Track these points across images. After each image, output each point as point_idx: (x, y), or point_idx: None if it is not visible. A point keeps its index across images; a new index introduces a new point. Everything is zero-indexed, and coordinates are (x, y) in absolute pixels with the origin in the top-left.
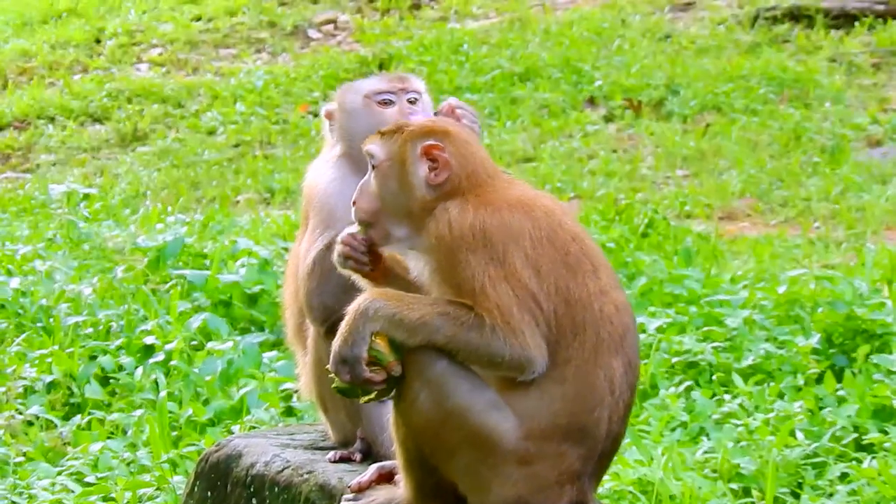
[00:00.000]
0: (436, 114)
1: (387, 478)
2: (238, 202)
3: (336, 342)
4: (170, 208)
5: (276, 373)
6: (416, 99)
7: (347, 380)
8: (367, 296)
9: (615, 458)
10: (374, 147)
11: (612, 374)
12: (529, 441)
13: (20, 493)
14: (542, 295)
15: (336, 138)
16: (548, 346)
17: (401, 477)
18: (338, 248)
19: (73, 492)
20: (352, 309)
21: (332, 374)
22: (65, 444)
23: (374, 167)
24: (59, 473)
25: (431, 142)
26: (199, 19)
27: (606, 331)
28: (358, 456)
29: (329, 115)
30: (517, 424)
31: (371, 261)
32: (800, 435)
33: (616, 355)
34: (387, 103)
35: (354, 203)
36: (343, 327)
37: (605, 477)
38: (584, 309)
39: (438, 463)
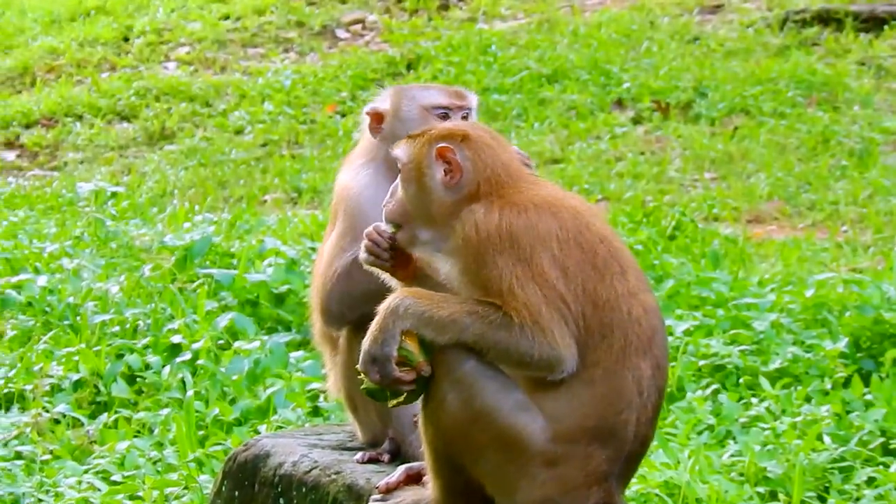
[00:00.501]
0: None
1: (415, 479)
2: (265, 202)
3: (366, 341)
4: (197, 207)
5: (303, 372)
6: (467, 116)
7: (377, 379)
8: (398, 294)
9: (643, 460)
10: (400, 151)
11: (640, 376)
12: (557, 443)
13: (47, 491)
14: (570, 296)
15: (379, 139)
16: (577, 347)
17: (429, 478)
18: (363, 243)
19: (99, 490)
20: (382, 307)
21: (362, 375)
22: (91, 442)
23: (400, 171)
24: (86, 472)
25: (444, 144)
26: (227, 18)
27: (635, 333)
28: (386, 457)
29: (378, 117)
30: (545, 426)
31: (399, 261)
32: (827, 439)
33: (644, 357)
34: (443, 118)
35: (384, 206)
36: (373, 326)
37: (632, 479)
38: (612, 311)
39: (466, 463)
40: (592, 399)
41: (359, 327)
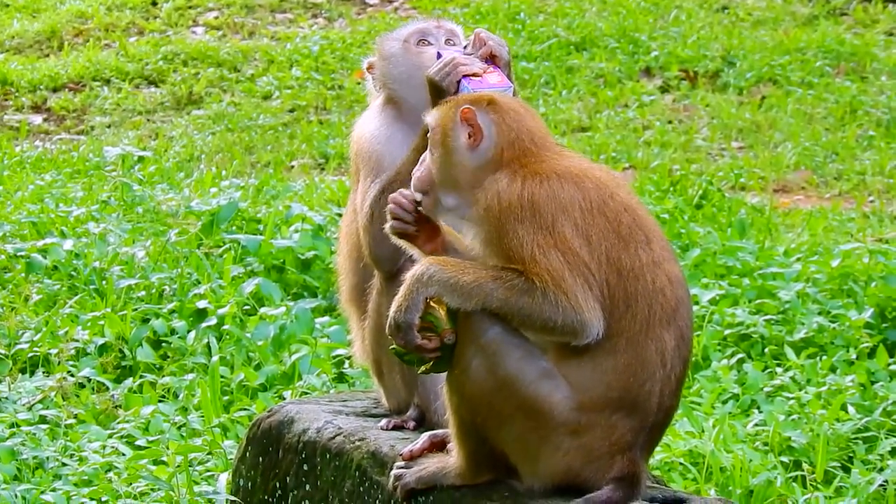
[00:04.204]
0: (465, 47)
1: (439, 446)
2: (292, 167)
3: (391, 308)
4: (224, 172)
5: (329, 339)
6: (454, 43)
7: (401, 345)
8: (424, 262)
9: (667, 430)
10: (429, 117)
11: (664, 346)
12: (581, 412)
13: (71, 456)
14: (594, 264)
15: (378, 88)
16: (602, 314)
17: (453, 445)
18: (388, 208)
19: (123, 454)
20: (408, 275)
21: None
22: (116, 406)
23: (429, 137)
24: (110, 436)
25: (467, 107)
26: None
27: (659, 303)
28: (411, 424)
29: (370, 67)
30: (570, 395)
31: (425, 232)
32: (851, 409)
33: (668, 328)
34: (424, 43)
35: (414, 173)
36: (399, 293)
37: (657, 448)
38: (636, 280)
39: (490, 431)
40: (616, 369)
41: (385, 292)
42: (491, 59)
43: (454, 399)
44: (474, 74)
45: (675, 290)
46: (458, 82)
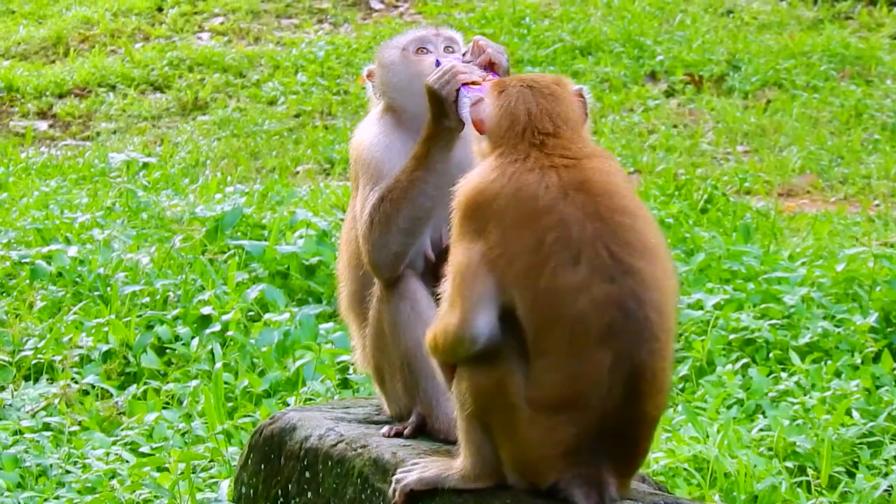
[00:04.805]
0: (463, 54)
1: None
2: (297, 173)
3: None
4: (229, 178)
5: (333, 345)
6: (453, 50)
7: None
8: None
9: (644, 439)
10: None
11: (597, 367)
12: (533, 408)
13: (74, 463)
14: (510, 279)
15: (378, 95)
16: (524, 334)
17: (461, 448)
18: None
19: (127, 462)
20: None
21: None
22: (120, 413)
23: None
24: (114, 443)
25: (474, 78)
26: None
27: (581, 327)
28: (409, 430)
29: (370, 75)
30: (525, 388)
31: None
32: (856, 414)
33: (599, 349)
34: (422, 51)
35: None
36: None
37: (660, 454)
38: (555, 302)
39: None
40: (552, 381)
41: (385, 300)
42: (490, 67)
43: (458, 398)
44: (473, 83)
45: (602, 313)
46: (458, 91)
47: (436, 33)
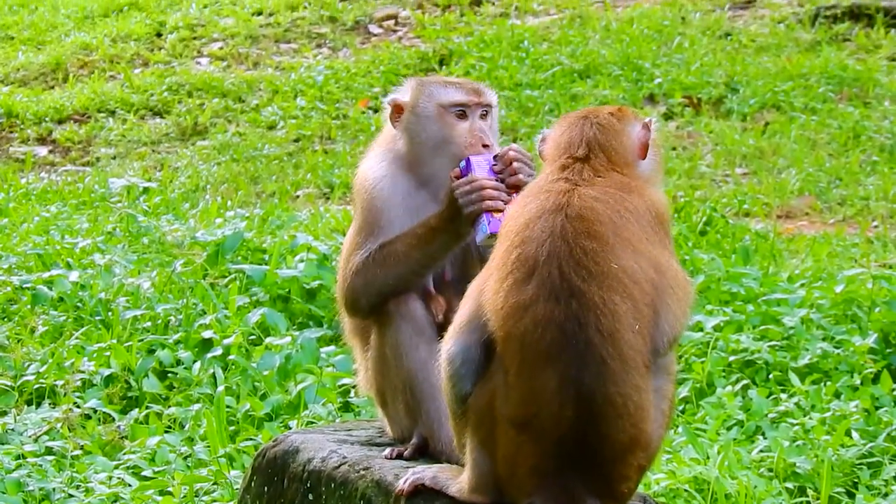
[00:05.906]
0: (495, 157)
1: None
2: (297, 197)
3: None
4: (229, 202)
5: (334, 368)
6: (487, 113)
7: None
8: None
9: (619, 464)
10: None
11: (546, 386)
12: (507, 424)
13: (77, 487)
14: (488, 296)
15: (399, 134)
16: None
17: (466, 463)
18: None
19: (129, 485)
20: None
21: None
22: (122, 437)
23: None
24: (117, 467)
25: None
26: (259, 14)
27: (528, 345)
28: (409, 451)
29: (398, 109)
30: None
31: None
32: (855, 435)
33: (546, 369)
34: (460, 116)
35: None
36: None
37: (661, 475)
38: (507, 319)
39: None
40: (514, 399)
41: (387, 323)
42: (516, 189)
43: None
44: (497, 210)
45: (544, 332)
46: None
47: (477, 101)
